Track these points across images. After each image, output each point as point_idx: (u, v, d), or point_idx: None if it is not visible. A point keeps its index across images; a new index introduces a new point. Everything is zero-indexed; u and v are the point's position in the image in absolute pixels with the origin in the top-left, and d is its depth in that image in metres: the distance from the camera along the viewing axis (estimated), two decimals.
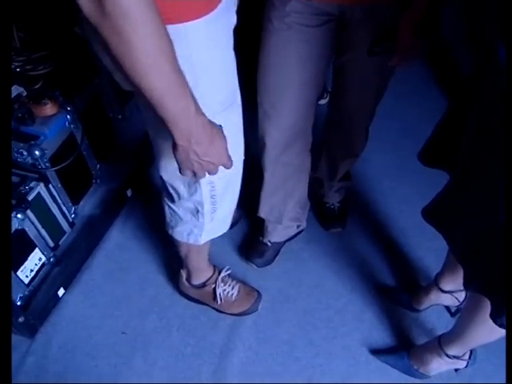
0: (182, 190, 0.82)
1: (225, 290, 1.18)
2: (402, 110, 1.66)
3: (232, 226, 1.33)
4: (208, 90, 0.65)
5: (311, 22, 0.88)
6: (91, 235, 1.31)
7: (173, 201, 0.88)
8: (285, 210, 1.22)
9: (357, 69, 0.97)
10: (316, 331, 1.19)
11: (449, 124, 0.82)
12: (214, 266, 1.20)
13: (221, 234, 0.97)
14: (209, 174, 0.66)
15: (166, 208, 0.92)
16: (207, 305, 1.21)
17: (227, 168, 0.67)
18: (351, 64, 0.98)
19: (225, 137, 0.63)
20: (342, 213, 1.39)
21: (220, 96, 0.69)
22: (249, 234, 1.38)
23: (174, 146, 0.59)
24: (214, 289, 1.16)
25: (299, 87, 0.96)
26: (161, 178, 0.84)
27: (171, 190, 0.85)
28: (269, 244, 1.30)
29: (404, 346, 1.15)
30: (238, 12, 0.70)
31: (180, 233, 0.95)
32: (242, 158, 0.85)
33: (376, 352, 1.15)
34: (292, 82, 0.94)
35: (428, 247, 1.32)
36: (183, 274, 1.18)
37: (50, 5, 1.06)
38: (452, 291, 1.12)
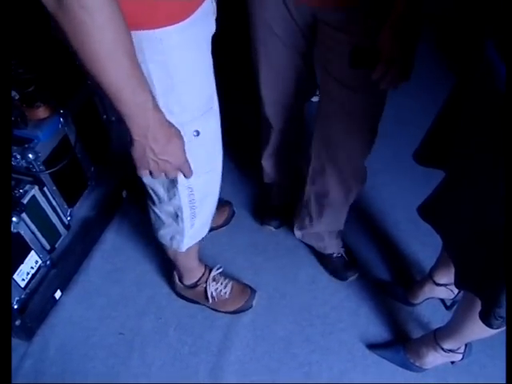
0: (162, 193, 0.82)
1: (217, 288, 1.17)
2: (397, 102, 1.58)
3: (227, 222, 1.37)
4: (184, 95, 0.65)
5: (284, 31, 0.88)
6: (87, 237, 1.31)
7: (154, 203, 0.88)
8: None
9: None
10: (312, 327, 1.18)
11: (443, 124, 0.81)
12: (206, 266, 1.19)
13: (200, 238, 0.97)
14: (166, 175, 0.65)
15: (150, 211, 0.92)
16: (203, 304, 1.20)
17: (186, 175, 0.66)
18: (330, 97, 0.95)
19: (183, 139, 0.62)
20: (351, 255, 1.30)
21: (197, 101, 0.69)
22: (258, 200, 1.40)
23: (131, 142, 0.59)
24: (206, 288, 1.16)
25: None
26: (143, 182, 0.83)
27: (152, 193, 0.85)
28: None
29: (400, 339, 1.15)
30: (218, 20, 0.70)
31: (163, 236, 0.95)
32: (221, 164, 0.85)
33: (372, 347, 1.15)
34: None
35: (422, 241, 1.31)
36: (176, 275, 1.18)
37: (39, 7, 1.05)
38: (446, 284, 1.12)
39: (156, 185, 0.82)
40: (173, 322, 1.19)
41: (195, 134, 0.70)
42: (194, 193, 0.81)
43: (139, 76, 0.54)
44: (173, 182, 0.77)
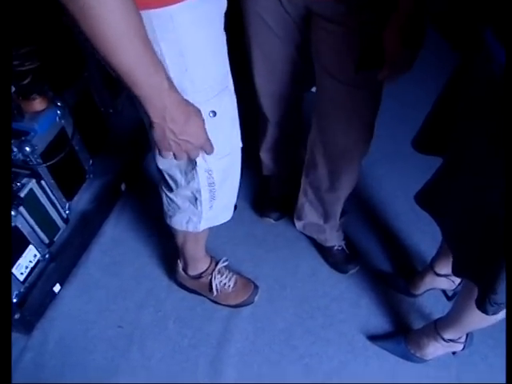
0: (179, 178, 0.81)
1: (221, 281, 1.16)
2: (398, 90, 1.56)
3: None
4: (198, 74, 0.64)
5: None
6: (86, 230, 1.30)
7: (171, 190, 0.87)
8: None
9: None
10: (313, 319, 1.18)
11: (442, 110, 0.80)
12: (211, 257, 1.18)
13: (223, 222, 0.95)
14: (189, 155, 0.64)
15: (164, 197, 0.91)
16: (204, 296, 1.20)
17: (207, 152, 0.66)
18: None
19: (202, 117, 0.62)
20: (352, 247, 1.28)
21: (211, 80, 0.68)
22: (258, 192, 1.39)
23: (150, 125, 0.59)
24: (211, 280, 1.15)
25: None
26: (157, 167, 0.82)
27: (168, 179, 0.84)
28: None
29: (401, 331, 1.14)
30: None
31: (178, 221, 0.93)
32: (240, 145, 0.83)
33: (373, 338, 1.14)
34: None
35: (423, 232, 1.30)
36: (180, 264, 1.16)
37: None
38: (447, 275, 1.11)
39: (173, 169, 0.80)
40: (172, 314, 1.19)
41: (212, 114, 0.69)
42: (213, 175, 0.79)
43: (152, 56, 0.54)
44: (191, 165, 0.76)
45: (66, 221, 1.23)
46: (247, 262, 1.28)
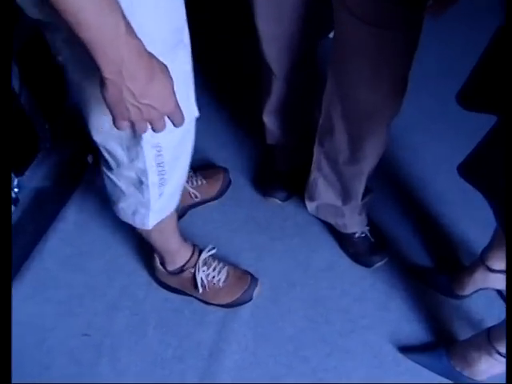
0: (120, 154, 0.77)
1: (208, 274, 1.12)
2: (441, 40, 1.55)
3: (221, 193, 1.32)
4: (147, 22, 0.61)
5: None
6: (41, 214, 1.26)
7: (110, 168, 0.84)
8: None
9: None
10: (329, 324, 1.13)
11: (498, 54, 0.71)
12: (194, 246, 1.15)
13: (168, 213, 0.93)
14: (152, 126, 0.60)
15: (106, 178, 0.88)
16: (190, 295, 1.15)
17: (176, 123, 0.62)
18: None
19: (170, 75, 0.59)
20: (378, 234, 1.24)
21: (163, 31, 0.65)
22: (260, 166, 1.37)
23: (102, 84, 0.55)
24: (194, 274, 1.11)
25: None
26: (92, 139, 0.78)
27: (107, 156, 0.80)
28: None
29: (442, 342, 1.08)
30: None
31: (124, 211, 0.91)
32: (195, 113, 0.81)
33: (406, 350, 1.09)
34: None
35: (473, 217, 1.24)
36: (156, 258, 1.13)
37: None
38: (504, 270, 1.04)
39: (111, 143, 0.76)
40: (153, 318, 1.14)
41: None
42: (162, 153, 0.76)
43: None
44: (135, 140, 0.73)
45: (14, 201, 1.18)
46: (246, 253, 1.23)
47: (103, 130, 0.73)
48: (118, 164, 0.79)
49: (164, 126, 0.61)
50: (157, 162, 0.77)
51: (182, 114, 0.62)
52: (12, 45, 0.96)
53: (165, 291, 1.17)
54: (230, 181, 1.32)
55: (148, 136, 0.69)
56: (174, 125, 0.62)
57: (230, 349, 1.09)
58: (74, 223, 1.29)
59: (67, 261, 1.23)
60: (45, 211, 1.26)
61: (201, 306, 1.14)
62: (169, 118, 0.61)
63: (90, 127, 0.75)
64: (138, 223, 0.92)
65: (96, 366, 1.07)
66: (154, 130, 0.61)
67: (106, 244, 1.25)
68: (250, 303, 1.14)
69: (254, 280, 1.15)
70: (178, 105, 0.61)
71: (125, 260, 1.22)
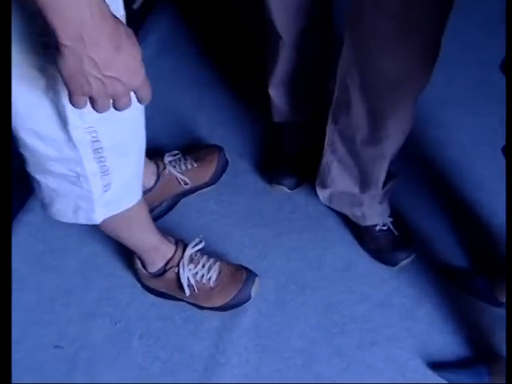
0: (42, 146, 0.73)
1: (196, 273, 1.09)
2: None
3: (215, 178, 1.28)
4: None
5: None
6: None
7: (34, 167, 0.80)
8: None
9: None
10: (345, 335, 1.10)
11: None
12: (177, 241, 1.11)
13: (126, 208, 0.90)
14: (115, 104, 0.59)
15: (33, 181, 0.84)
16: (180, 299, 1.12)
17: (143, 98, 0.61)
18: None
19: (137, 43, 0.57)
20: (403, 227, 1.22)
21: None
22: (265, 147, 1.36)
23: (58, 52, 0.52)
24: (178, 273, 1.08)
25: None
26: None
27: (23, 147, 0.76)
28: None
29: (482, 357, 1.05)
30: None
31: (61, 212, 0.87)
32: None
33: (437, 366, 1.06)
34: None
35: None
36: (136, 259, 1.10)
37: None
38: None
39: (28, 135, 0.72)
40: (137, 327, 1.11)
41: None
42: (99, 138, 0.73)
43: None
44: (61, 121, 0.69)
45: None
46: (248, 250, 1.20)
47: (20, 112, 0.68)
48: (43, 160, 0.76)
49: (129, 103, 0.60)
50: (93, 148, 0.74)
51: (149, 88, 0.61)
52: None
53: (152, 296, 1.12)
54: (227, 161, 1.28)
55: (75, 119, 0.67)
56: (140, 101, 0.61)
57: (229, 362, 1.07)
58: (43, 215, 1.18)
59: (36, 259, 1.20)
60: None
61: (194, 312, 1.11)
62: (134, 92, 0.59)
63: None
64: (83, 220, 0.88)
65: None
66: (116, 108, 0.59)
67: (82, 239, 1.22)
68: (252, 309, 1.11)
69: (250, 276, 1.12)
70: (146, 78, 0.59)
71: (104, 259, 1.19)
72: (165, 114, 1.36)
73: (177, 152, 1.21)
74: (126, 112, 0.72)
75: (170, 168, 1.16)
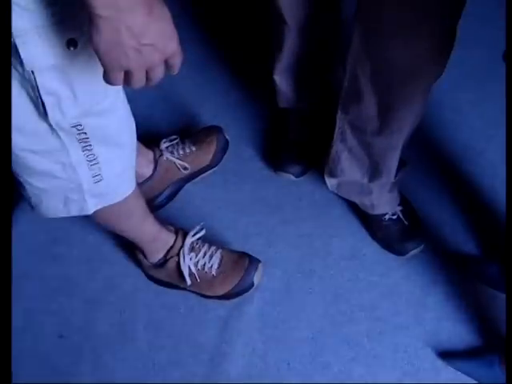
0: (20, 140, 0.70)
1: (197, 262, 1.09)
2: None
3: (217, 160, 1.26)
4: None
5: None
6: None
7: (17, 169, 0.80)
8: None
9: None
10: (353, 324, 1.10)
11: None
12: (178, 230, 1.11)
13: (120, 199, 0.89)
14: (150, 75, 0.57)
15: (17, 182, 0.82)
16: (184, 289, 1.11)
17: (177, 67, 0.59)
18: None
19: (167, 8, 0.55)
20: (413, 216, 1.21)
21: None
22: (270, 134, 1.35)
23: (93, 26, 0.51)
24: (179, 262, 1.08)
25: None
26: None
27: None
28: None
29: (494, 346, 1.03)
30: None
31: (51, 209, 0.86)
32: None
33: (447, 355, 1.05)
34: None
35: None
36: (137, 250, 1.11)
37: None
38: None
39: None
40: (143, 316, 1.12)
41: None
42: (84, 131, 0.71)
43: None
44: (40, 114, 0.67)
45: None
46: (254, 239, 1.20)
47: None
48: (26, 158, 0.73)
49: (163, 73, 0.58)
50: (78, 139, 0.73)
51: (182, 56, 0.59)
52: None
53: (156, 286, 1.13)
54: (227, 142, 1.26)
55: (57, 116, 0.65)
56: (171, 69, 0.59)
57: (235, 352, 1.07)
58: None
59: (39, 249, 1.20)
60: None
61: (199, 301, 1.11)
62: (168, 62, 0.58)
63: None
64: (74, 211, 0.86)
65: (74, 375, 1.04)
66: (150, 80, 0.57)
67: (87, 229, 1.20)
68: (258, 298, 1.11)
69: (252, 262, 1.11)
70: (179, 44, 0.58)
71: (108, 248, 1.19)
72: (167, 100, 1.35)
73: (175, 137, 1.19)
74: (108, 103, 0.73)
75: (166, 154, 1.15)
